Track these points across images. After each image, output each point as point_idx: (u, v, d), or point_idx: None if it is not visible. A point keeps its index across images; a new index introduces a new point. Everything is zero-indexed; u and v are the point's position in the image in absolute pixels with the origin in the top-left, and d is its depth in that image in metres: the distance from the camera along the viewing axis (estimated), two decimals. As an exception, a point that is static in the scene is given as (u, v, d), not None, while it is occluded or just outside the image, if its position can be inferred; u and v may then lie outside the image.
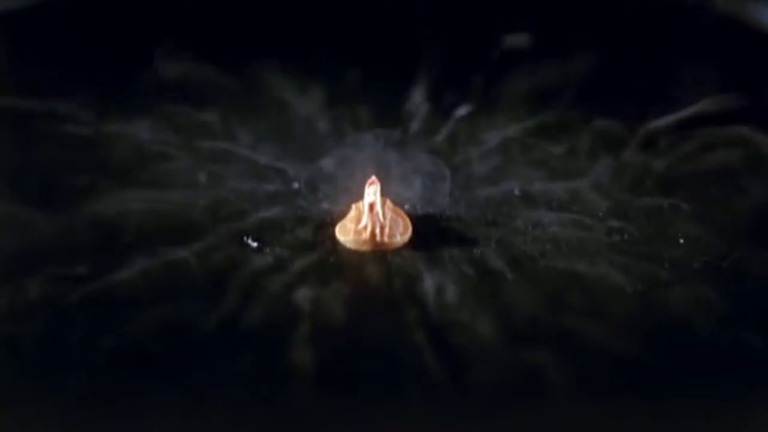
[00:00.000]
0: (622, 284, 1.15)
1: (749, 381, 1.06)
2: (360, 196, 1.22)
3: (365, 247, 1.20)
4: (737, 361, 1.08)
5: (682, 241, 1.21)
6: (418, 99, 1.43)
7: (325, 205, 1.26)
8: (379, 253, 1.20)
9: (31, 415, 1.01)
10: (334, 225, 1.23)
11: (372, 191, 1.20)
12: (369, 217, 1.20)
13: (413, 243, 1.21)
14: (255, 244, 1.20)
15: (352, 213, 1.22)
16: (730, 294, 1.14)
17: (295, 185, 1.30)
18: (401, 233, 1.21)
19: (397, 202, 1.25)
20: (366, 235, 1.20)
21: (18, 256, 1.17)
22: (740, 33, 1.55)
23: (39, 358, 1.06)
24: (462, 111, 1.41)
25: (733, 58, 1.52)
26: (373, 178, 1.21)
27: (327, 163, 1.33)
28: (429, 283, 1.16)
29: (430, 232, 1.22)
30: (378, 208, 1.20)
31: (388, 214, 1.21)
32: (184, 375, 1.05)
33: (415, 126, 1.39)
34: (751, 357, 1.08)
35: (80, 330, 1.08)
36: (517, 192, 1.29)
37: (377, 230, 1.19)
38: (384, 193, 1.21)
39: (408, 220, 1.23)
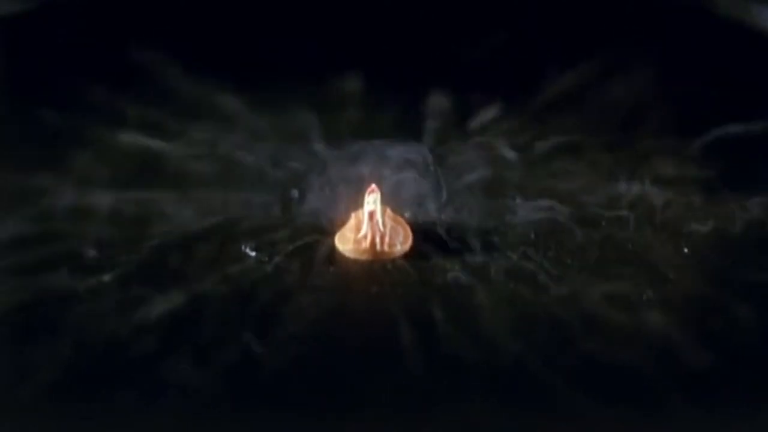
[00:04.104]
0: (626, 293, 1.15)
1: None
2: (359, 205, 1.21)
3: (365, 256, 1.19)
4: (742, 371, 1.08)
5: (686, 250, 1.21)
6: (419, 107, 1.43)
7: (324, 214, 1.26)
8: (379, 262, 1.19)
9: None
10: (333, 234, 1.22)
11: (372, 200, 1.19)
12: (369, 225, 1.19)
13: (413, 252, 1.20)
14: (253, 254, 1.19)
15: (352, 222, 1.21)
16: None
17: (294, 193, 1.29)
18: (401, 242, 1.20)
19: (397, 211, 1.24)
20: (366, 244, 1.19)
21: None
22: (743, 35, 1.55)
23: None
24: (464, 120, 1.41)
25: (736, 60, 1.51)
26: (373, 186, 1.20)
27: (326, 172, 1.33)
28: (429, 292, 1.15)
29: (431, 241, 1.22)
30: (378, 216, 1.19)
31: (388, 223, 1.20)
32: (184, 378, 1.05)
33: (415, 134, 1.38)
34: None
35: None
36: (517, 201, 1.28)
37: (377, 239, 1.19)
38: (384, 202, 1.21)
39: (408, 229, 1.22)
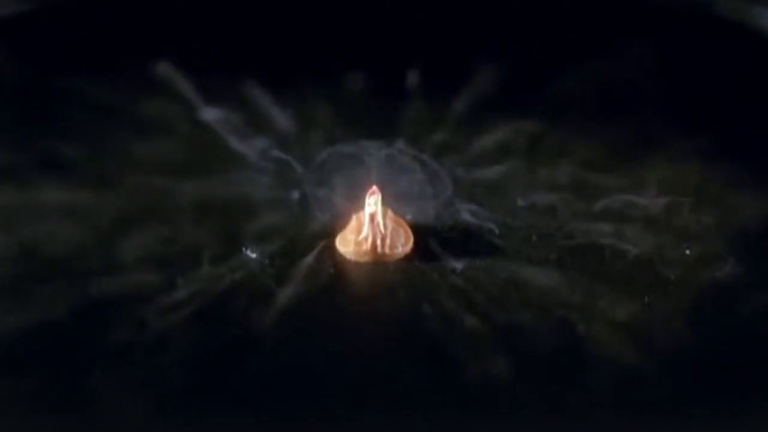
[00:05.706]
0: (631, 296, 1.15)
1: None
2: (361, 206, 1.21)
3: (366, 259, 1.19)
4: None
5: (688, 252, 1.21)
6: (419, 107, 1.43)
7: (325, 216, 1.25)
8: (380, 264, 1.19)
9: None
10: (334, 236, 1.22)
11: (373, 201, 1.19)
12: (370, 227, 1.19)
13: (415, 254, 1.20)
14: (254, 255, 1.19)
15: (353, 223, 1.21)
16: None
17: (295, 195, 1.29)
18: (403, 244, 1.20)
19: (399, 213, 1.24)
20: (367, 246, 1.19)
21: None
22: (743, 37, 1.55)
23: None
24: (466, 120, 1.40)
25: (736, 62, 1.51)
26: (374, 187, 1.20)
27: (326, 172, 1.32)
28: (430, 294, 1.15)
29: (432, 243, 1.21)
30: (379, 218, 1.19)
31: (390, 225, 1.20)
32: (181, 379, 1.05)
33: (416, 135, 1.38)
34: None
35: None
36: (520, 202, 1.28)
37: (378, 241, 1.18)
38: (385, 203, 1.20)
39: (409, 231, 1.22)
